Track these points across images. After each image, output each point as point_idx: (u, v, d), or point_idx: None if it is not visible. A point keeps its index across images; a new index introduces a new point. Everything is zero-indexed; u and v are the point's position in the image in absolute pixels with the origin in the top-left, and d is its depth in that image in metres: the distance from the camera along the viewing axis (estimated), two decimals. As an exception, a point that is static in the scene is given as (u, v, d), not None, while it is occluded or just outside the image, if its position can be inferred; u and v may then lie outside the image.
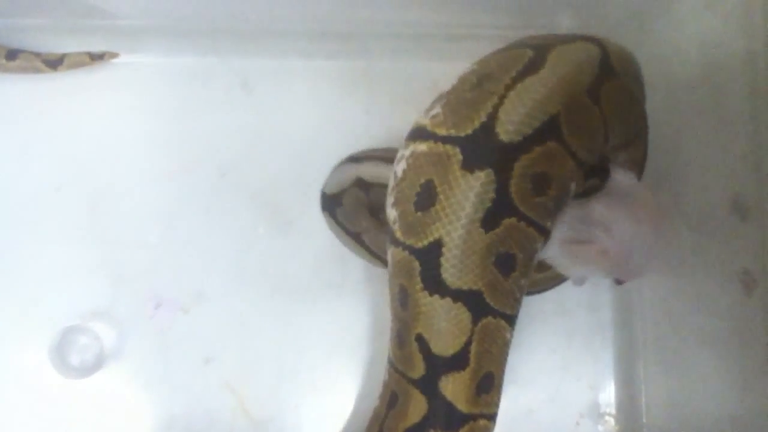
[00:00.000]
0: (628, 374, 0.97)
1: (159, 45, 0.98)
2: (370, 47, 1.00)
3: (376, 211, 0.92)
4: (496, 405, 0.73)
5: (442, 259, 0.65)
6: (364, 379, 0.95)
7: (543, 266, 0.79)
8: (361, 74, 0.99)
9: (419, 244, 0.66)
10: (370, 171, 0.89)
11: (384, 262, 0.91)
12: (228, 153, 0.97)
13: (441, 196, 0.64)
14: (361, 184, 0.90)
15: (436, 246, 0.65)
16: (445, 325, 0.66)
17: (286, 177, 0.97)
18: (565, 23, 0.98)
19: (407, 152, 0.69)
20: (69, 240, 0.94)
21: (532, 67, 0.67)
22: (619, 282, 0.82)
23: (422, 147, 0.67)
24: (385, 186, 0.86)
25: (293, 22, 0.98)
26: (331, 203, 0.93)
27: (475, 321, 0.67)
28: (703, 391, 0.87)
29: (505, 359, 0.72)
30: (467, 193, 0.64)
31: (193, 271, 0.95)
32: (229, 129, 0.97)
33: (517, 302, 0.70)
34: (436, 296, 0.66)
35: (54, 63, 0.94)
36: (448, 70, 0.96)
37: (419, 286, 0.67)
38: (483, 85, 0.67)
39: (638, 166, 0.83)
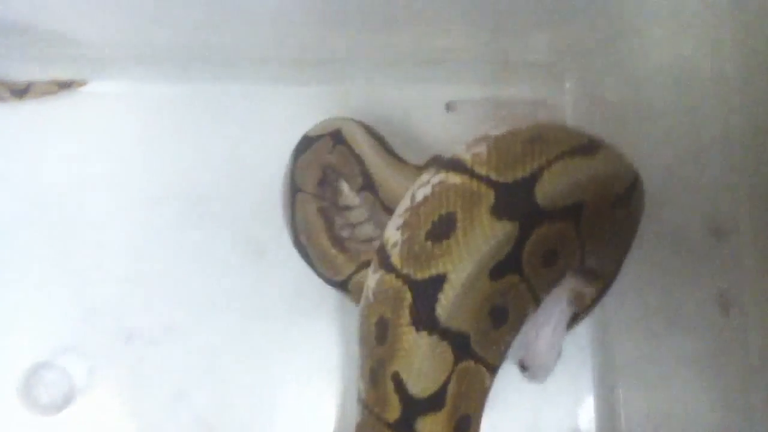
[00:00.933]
0: (607, 395, 0.97)
1: (128, 72, 0.97)
2: (345, 73, 1.00)
3: (325, 178, 0.91)
4: None
5: (441, 295, 0.63)
6: (340, 410, 0.93)
7: None
8: (337, 99, 0.98)
9: (419, 275, 0.64)
10: (352, 129, 0.89)
11: (296, 234, 0.91)
12: (199, 182, 0.96)
13: (459, 232, 0.63)
14: (335, 136, 0.89)
15: (439, 281, 0.63)
16: (428, 364, 0.64)
17: (259, 206, 0.96)
18: (541, 47, 0.98)
19: (435, 179, 0.67)
20: (37, 274, 0.92)
21: (585, 151, 0.68)
22: (522, 367, 0.81)
23: (455, 179, 0.66)
24: (353, 153, 0.87)
25: (267, 50, 0.97)
26: (302, 146, 0.91)
27: (456, 362, 0.65)
28: (683, 410, 0.87)
29: (483, 405, 0.71)
30: (489, 238, 0.63)
31: (164, 303, 0.93)
32: (201, 157, 0.96)
33: (501, 355, 0.69)
34: (424, 333, 0.64)
35: (20, 92, 0.92)
36: (423, 94, 0.99)
37: (405, 320, 0.64)
38: (535, 144, 0.67)
39: (583, 303, 0.84)
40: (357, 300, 0.87)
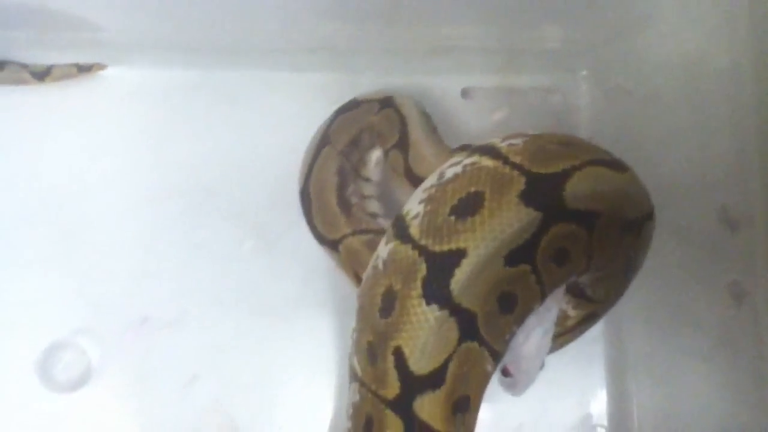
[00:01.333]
0: (619, 387, 0.97)
1: (145, 57, 0.97)
2: (357, 61, 1.00)
3: (358, 141, 0.91)
4: (472, 428, 0.70)
5: (458, 270, 0.63)
6: (342, 400, 0.92)
7: None
8: (349, 88, 0.97)
9: (438, 248, 0.64)
10: (405, 98, 0.91)
11: (307, 184, 0.91)
12: (212, 168, 0.96)
13: (486, 211, 0.63)
14: (385, 101, 0.91)
15: (457, 255, 0.63)
16: (433, 339, 0.64)
17: (272, 194, 0.96)
18: (552, 37, 0.98)
19: (468, 160, 0.68)
20: (54, 257, 0.93)
21: (612, 165, 0.70)
22: (505, 373, 0.79)
23: (488, 162, 0.67)
24: (398, 115, 0.88)
25: (279, 38, 0.97)
26: (348, 106, 0.93)
27: (460, 341, 0.65)
28: (695, 403, 0.87)
29: (483, 390, 0.69)
30: (513, 221, 0.63)
31: (174, 294, 0.94)
32: (211, 146, 0.97)
33: (505, 343, 0.69)
34: (434, 306, 0.63)
35: (41, 74, 0.93)
36: (436, 83, 0.99)
37: (417, 291, 0.64)
38: (567, 147, 0.68)
39: (564, 324, 0.84)
40: (343, 263, 0.88)
